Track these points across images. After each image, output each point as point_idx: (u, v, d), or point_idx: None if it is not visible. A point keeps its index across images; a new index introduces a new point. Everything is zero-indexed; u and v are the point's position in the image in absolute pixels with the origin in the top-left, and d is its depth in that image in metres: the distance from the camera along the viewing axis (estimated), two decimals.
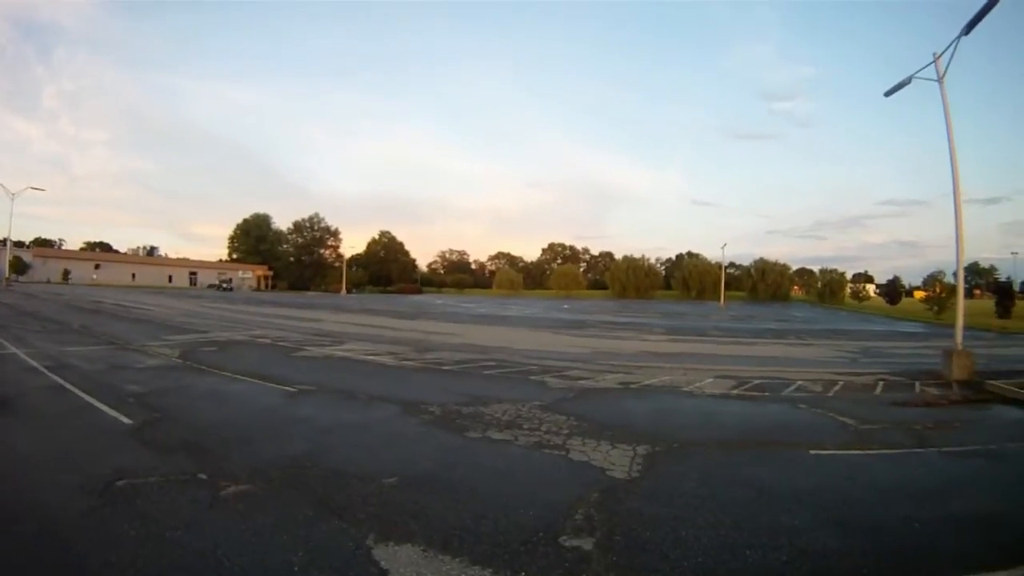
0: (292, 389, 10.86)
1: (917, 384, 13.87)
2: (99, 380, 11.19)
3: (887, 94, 16.93)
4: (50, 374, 11.62)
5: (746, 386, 13.01)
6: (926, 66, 15.49)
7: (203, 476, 5.82)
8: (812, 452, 7.84)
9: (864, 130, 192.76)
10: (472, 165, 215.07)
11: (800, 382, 13.75)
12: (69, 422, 8.05)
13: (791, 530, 5.07)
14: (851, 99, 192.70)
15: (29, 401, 9.36)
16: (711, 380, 13.63)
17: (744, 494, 5.97)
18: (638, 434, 8.17)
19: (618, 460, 6.92)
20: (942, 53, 15.05)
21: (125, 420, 8.10)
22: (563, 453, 7.17)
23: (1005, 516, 5.76)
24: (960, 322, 15.47)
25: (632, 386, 12.64)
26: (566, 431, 8.23)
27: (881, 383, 14.03)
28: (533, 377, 13.20)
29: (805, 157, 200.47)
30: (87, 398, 9.47)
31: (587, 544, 4.55)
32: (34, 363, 12.87)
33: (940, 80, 15.25)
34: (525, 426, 8.46)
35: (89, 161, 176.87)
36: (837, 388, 13.16)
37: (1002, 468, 7.82)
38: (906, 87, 16.42)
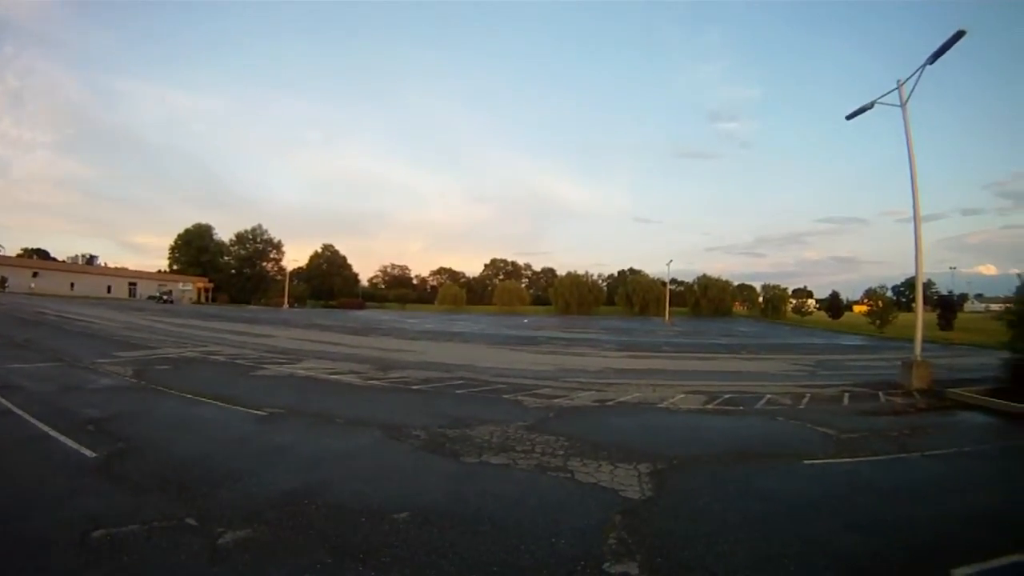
0: (262, 413, 10.50)
1: (881, 394, 14.76)
2: (52, 403, 10.55)
3: (849, 117, 18.05)
4: None
5: (718, 400, 13.47)
6: (889, 92, 16.56)
7: (192, 521, 5.29)
8: (806, 462, 8.28)
9: (805, 150, 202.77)
10: (415, 180, 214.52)
11: (769, 395, 14.37)
12: (23, 455, 7.41)
13: (819, 537, 5.38)
14: (794, 121, 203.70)
15: None
16: (682, 396, 14.01)
17: (761, 507, 6.25)
18: (633, 452, 8.35)
19: (626, 480, 7.05)
20: (906, 80, 16.29)
21: (88, 453, 7.49)
22: (568, 475, 7.22)
23: (1003, 509, 6.47)
24: (919, 335, 16.42)
25: (608, 403, 12.84)
26: (562, 452, 8.28)
27: (846, 394, 14.87)
28: (506, 396, 13.20)
29: (747, 176, 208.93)
30: (41, 425, 8.80)
31: (632, 569, 4.61)
32: None
33: (903, 105, 16.37)
34: (519, 448, 8.46)
35: (30, 163, 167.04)
36: (806, 400, 13.83)
37: (986, 467, 8.65)
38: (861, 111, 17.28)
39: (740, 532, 5.39)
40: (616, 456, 8.05)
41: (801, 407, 12.81)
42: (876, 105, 16.82)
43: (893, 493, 6.89)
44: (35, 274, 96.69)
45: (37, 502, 5.71)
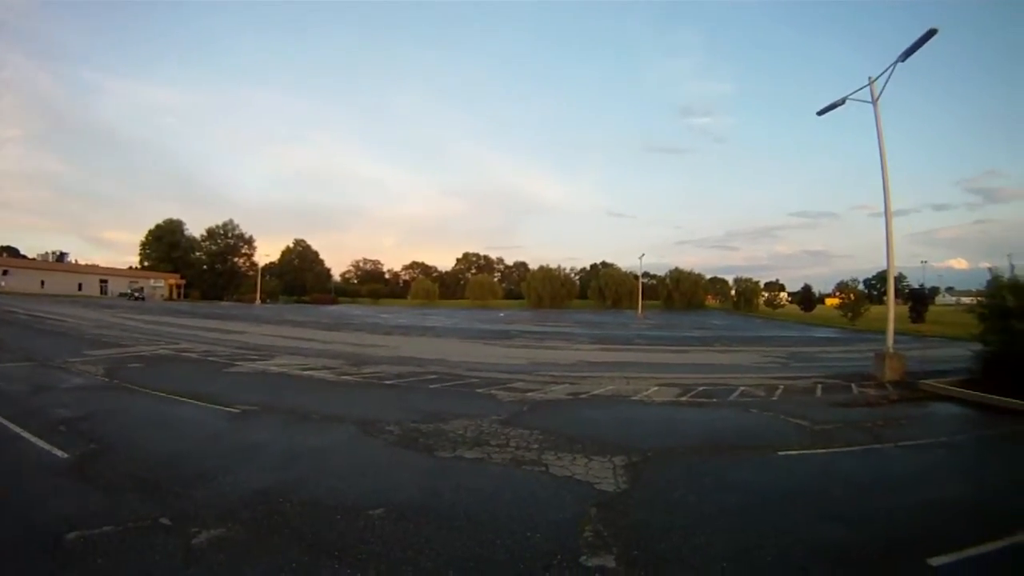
0: (235, 410, 10.43)
1: (853, 386, 15.01)
2: (22, 404, 10.45)
3: (820, 113, 18.38)
4: None
5: (692, 393, 13.55)
6: (860, 88, 16.87)
7: (166, 521, 5.22)
8: (781, 453, 8.38)
9: (779, 145, 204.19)
10: (387, 174, 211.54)
11: (742, 388, 14.49)
12: None
13: (795, 528, 5.44)
14: (768, 116, 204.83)
15: None
16: (656, 388, 14.10)
17: (737, 498, 6.30)
18: (608, 445, 8.36)
19: (601, 473, 7.05)
20: (877, 77, 16.62)
21: (60, 453, 7.37)
22: (543, 469, 7.20)
23: (977, 499, 6.61)
24: (891, 327, 16.79)
25: (582, 397, 12.87)
26: (536, 446, 8.27)
27: (819, 386, 15.08)
28: (480, 390, 13.19)
29: (720, 170, 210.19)
30: (11, 426, 8.66)
31: (609, 562, 4.60)
32: None
33: (874, 102, 16.67)
34: (493, 442, 8.44)
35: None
36: (779, 392, 14.00)
37: (960, 457, 8.87)
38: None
39: (716, 524, 5.43)
40: (591, 449, 8.06)
41: (774, 399, 12.97)
42: (848, 101, 17.09)
43: (868, 484, 7.01)
44: (5, 272, 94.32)
45: (8, 505, 5.63)
